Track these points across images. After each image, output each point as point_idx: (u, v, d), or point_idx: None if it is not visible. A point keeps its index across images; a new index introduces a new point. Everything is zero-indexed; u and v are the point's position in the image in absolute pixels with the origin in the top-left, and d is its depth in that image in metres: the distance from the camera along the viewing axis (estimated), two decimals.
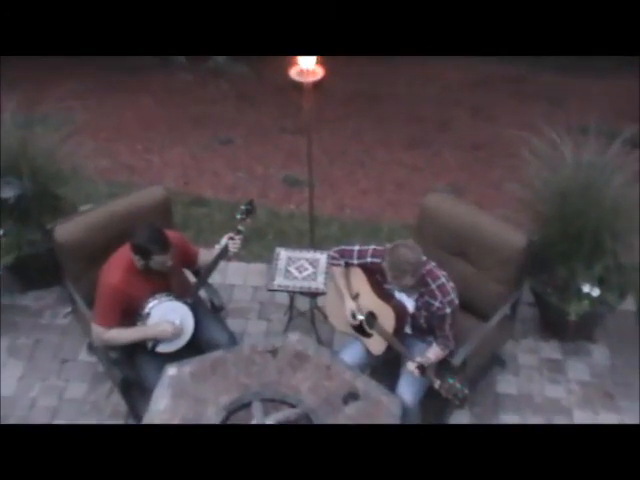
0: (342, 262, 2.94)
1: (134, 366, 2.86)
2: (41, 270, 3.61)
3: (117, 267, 2.76)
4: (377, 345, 2.82)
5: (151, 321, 2.79)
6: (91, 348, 3.36)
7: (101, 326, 2.75)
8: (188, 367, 2.53)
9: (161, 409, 2.30)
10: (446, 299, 2.73)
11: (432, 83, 6.94)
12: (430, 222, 3.21)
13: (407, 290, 2.75)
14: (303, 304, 3.61)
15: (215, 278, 3.27)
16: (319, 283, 3.32)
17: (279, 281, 3.33)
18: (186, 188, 4.75)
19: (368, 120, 6.00)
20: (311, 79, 3.03)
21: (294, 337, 2.68)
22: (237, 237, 2.95)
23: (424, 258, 2.77)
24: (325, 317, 3.29)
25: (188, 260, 3.02)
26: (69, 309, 3.40)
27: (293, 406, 2.38)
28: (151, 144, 5.34)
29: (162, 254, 2.71)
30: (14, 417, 3.07)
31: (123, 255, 2.79)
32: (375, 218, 4.50)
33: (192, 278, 3.16)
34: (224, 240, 2.97)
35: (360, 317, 2.88)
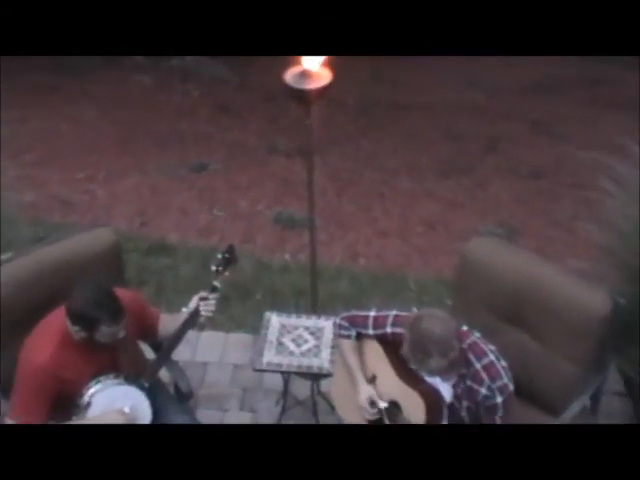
0: (354, 332, 2.95)
1: None
2: None
3: (46, 340, 2.73)
4: None
5: (92, 413, 2.79)
6: None
7: (21, 423, 2.66)
8: None
9: None
10: (496, 384, 2.72)
11: (475, 89, 7.16)
12: (474, 276, 3.25)
13: (441, 372, 2.76)
14: (301, 389, 3.62)
15: (182, 353, 3.29)
16: (323, 361, 3.33)
17: (269, 357, 3.34)
18: (143, 230, 4.83)
19: (389, 138, 6.16)
20: (314, 85, 3.11)
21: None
22: (212, 297, 2.97)
23: (464, 327, 2.79)
24: (331, 407, 3.30)
25: (145, 329, 3.04)
26: None
27: None
28: (95, 171, 5.47)
29: (112, 324, 2.69)
30: None
31: (54, 323, 2.77)
32: (399, 271, 4.55)
33: (150, 353, 3.19)
34: (194, 301, 3.01)
35: (382, 405, 2.88)
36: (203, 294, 2.98)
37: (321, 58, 3.06)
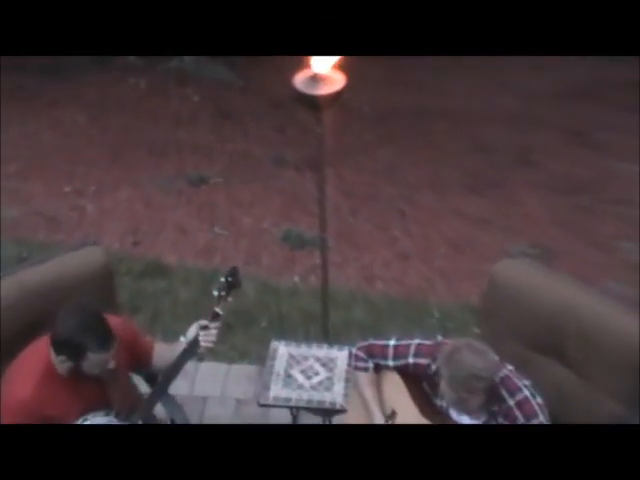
0: (371, 364, 2.95)
1: None
2: None
3: (27, 373, 2.71)
4: None
5: None
6: None
7: None
8: None
9: None
10: (531, 422, 2.72)
11: (505, 94, 7.19)
12: (504, 302, 3.24)
13: (473, 410, 2.75)
14: None
15: (179, 387, 3.30)
16: (336, 395, 3.32)
17: (276, 392, 3.34)
18: (137, 250, 4.86)
19: (409, 149, 6.18)
20: (326, 90, 3.14)
21: None
22: (213, 325, 2.97)
23: (495, 358, 2.79)
24: None
25: (138, 359, 3.04)
26: None
27: None
28: (84, 183, 5.51)
29: (100, 352, 2.68)
30: None
31: (37, 354, 2.75)
32: (420, 296, 4.56)
33: (144, 387, 3.19)
34: (193, 330, 3.01)
35: None
36: (203, 322, 2.97)
37: (332, 59, 3.07)
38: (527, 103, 6.88)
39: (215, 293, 2.97)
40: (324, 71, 3.10)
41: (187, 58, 7.28)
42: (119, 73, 6.94)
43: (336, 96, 3.12)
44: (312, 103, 3.15)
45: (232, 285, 2.99)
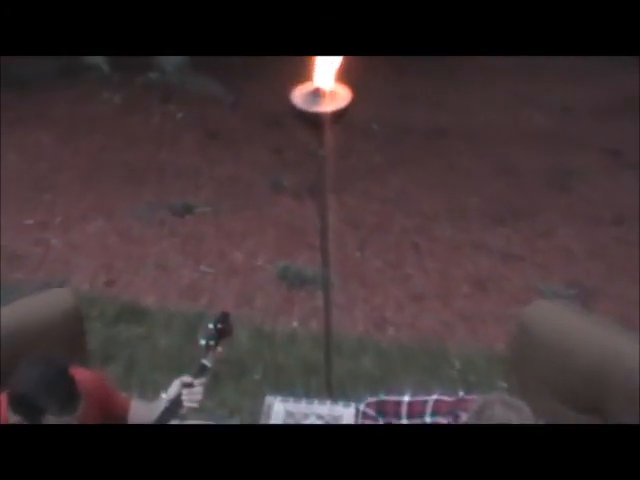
0: (381, 422, 2.94)
1: None
2: None
3: None
4: None
5: None
6: None
7: None
8: None
9: None
10: None
11: (536, 110, 7.24)
12: (535, 351, 3.23)
13: None
14: None
15: None
16: None
17: None
18: (111, 290, 4.86)
19: (424, 173, 6.21)
20: (329, 107, 3.15)
21: None
22: (198, 382, 2.93)
23: (532, 415, 2.77)
24: None
25: (111, 421, 3.02)
26: None
27: None
28: (50, 214, 5.52)
29: (62, 415, 2.64)
30: None
31: None
32: (438, 343, 4.54)
33: None
34: (175, 387, 2.96)
35: None
36: (187, 379, 2.93)
37: (334, 70, 3.08)
38: (559, 120, 6.94)
39: (202, 342, 2.95)
40: (327, 85, 3.10)
41: (169, 70, 7.34)
42: (91, 87, 7.00)
43: (340, 113, 3.11)
44: (313, 121, 3.15)
45: (222, 333, 2.98)
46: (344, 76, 3.14)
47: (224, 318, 3.02)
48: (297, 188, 5.74)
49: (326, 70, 3.10)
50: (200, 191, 5.83)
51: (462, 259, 5.24)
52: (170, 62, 7.52)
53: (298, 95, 3.13)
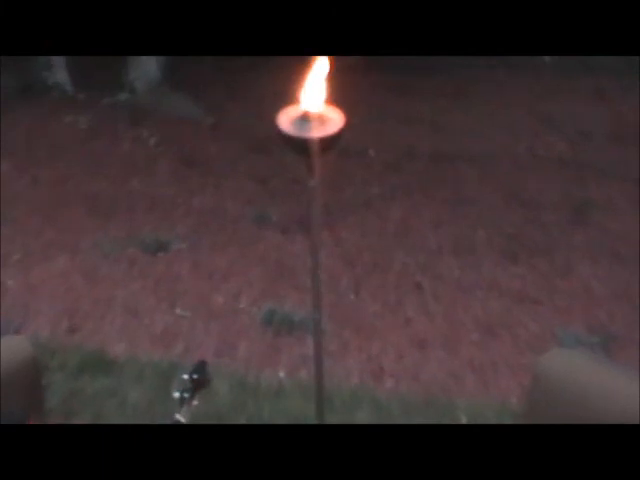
0: None
1: None
2: None
3: None
4: None
5: None
6: None
7: None
8: None
9: None
10: None
11: (554, 134, 7.31)
12: (553, 405, 3.23)
13: None
14: None
15: None
16: None
17: None
18: (74, 338, 4.84)
19: (428, 204, 6.25)
20: (321, 131, 3.16)
21: None
22: None
23: None
24: None
25: None
26: None
27: None
28: (6, 251, 5.52)
29: None
30: None
31: None
32: (443, 395, 4.53)
33: None
34: None
35: None
36: None
37: (322, 94, 3.13)
38: (578, 145, 7.00)
39: (176, 395, 2.97)
40: (317, 107, 3.13)
41: (141, 89, 7.42)
42: (53, 109, 7.04)
43: (333, 139, 3.10)
44: (302, 148, 3.13)
45: (199, 384, 2.99)
46: (337, 97, 3.18)
47: (201, 368, 3.03)
48: (285, 222, 5.78)
49: (316, 90, 3.15)
50: (175, 225, 5.86)
51: (471, 301, 5.24)
52: (142, 80, 7.61)
53: (285, 118, 3.12)
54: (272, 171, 6.25)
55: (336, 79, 3.06)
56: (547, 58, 10.07)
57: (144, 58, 7.65)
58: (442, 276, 5.45)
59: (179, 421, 2.99)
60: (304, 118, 3.13)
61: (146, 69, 7.72)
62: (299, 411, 4.25)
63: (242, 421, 4.30)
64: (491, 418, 4.28)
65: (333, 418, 3.99)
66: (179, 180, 6.41)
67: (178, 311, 5.07)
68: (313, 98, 3.14)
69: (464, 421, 4.32)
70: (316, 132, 3.09)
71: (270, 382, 4.56)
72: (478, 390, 4.55)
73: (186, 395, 2.96)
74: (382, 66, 9.20)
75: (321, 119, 3.15)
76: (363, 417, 4.35)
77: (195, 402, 2.99)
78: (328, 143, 3.13)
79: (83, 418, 4.25)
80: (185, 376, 2.99)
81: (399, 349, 4.86)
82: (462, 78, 9.35)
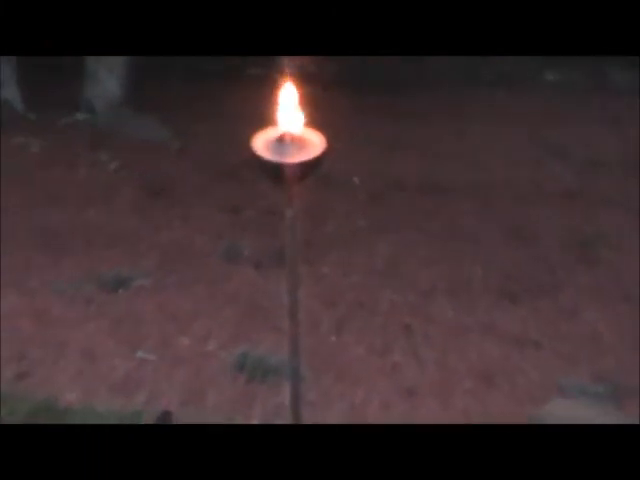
0: None
1: None
2: None
3: None
4: None
5: None
6: None
7: None
8: None
9: None
10: None
11: (557, 162, 7.36)
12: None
13: None
14: None
15: None
16: None
17: None
18: (22, 385, 4.83)
19: (419, 238, 6.27)
20: (299, 156, 3.19)
21: None
22: None
23: None
24: None
25: None
26: None
27: None
28: None
29: None
30: None
31: None
32: None
33: None
34: None
35: None
36: None
37: (300, 115, 3.16)
38: (584, 174, 7.03)
39: None
40: (295, 130, 3.16)
41: (100, 108, 7.45)
42: (1, 130, 7.02)
43: (313, 165, 3.11)
44: (279, 174, 3.15)
45: None
46: (318, 119, 3.21)
47: (166, 418, 3.07)
48: (259, 256, 5.80)
49: (295, 111, 3.18)
50: (138, 261, 5.87)
51: (465, 345, 5.24)
52: (101, 99, 7.63)
53: (260, 142, 3.14)
54: (245, 200, 6.28)
55: (317, 99, 3.11)
56: (551, 76, 10.14)
57: (104, 74, 7.65)
58: (434, 317, 5.46)
59: None
60: (281, 142, 3.14)
61: (106, 86, 7.73)
62: None
63: None
64: None
65: None
66: (142, 210, 6.43)
67: (140, 355, 5.07)
68: (291, 120, 3.18)
69: None
70: (294, 157, 3.10)
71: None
72: None
73: None
74: (367, 84, 9.30)
75: (300, 143, 3.15)
76: None
77: None
78: (307, 169, 3.15)
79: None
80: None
81: (385, 397, 4.85)
82: (456, 97, 9.43)
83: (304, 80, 3.20)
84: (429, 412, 4.76)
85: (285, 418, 4.19)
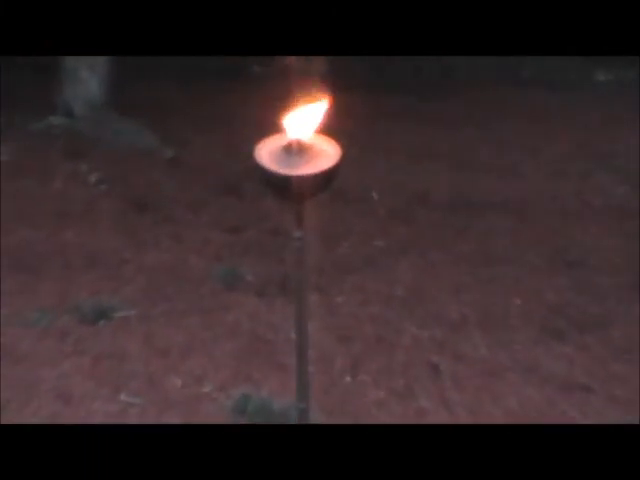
0: None
1: None
2: None
3: None
4: None
5: None
6: None
7: None
8: None
9: None
10: None
11: (608, 172, 7.34)
12: None
13: None
14: None
15: None
16: None
17: None
18: None
19: (446, 263, 6.28)
20: (310, 168, 3.17)
21: None
22: None
23: None
24: None
25: None
26: None
27: None
28: None
29: None
30: None
31: None
32: None
33: None
34: None
35: None
36: None
37: (316, 120, 3.17)
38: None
39: None
40: (305, 137, 3.14)
41: (79, 112, 7.47)
42: None
43: (326, 178, 3.12)
44: (286, 188, 3.18)
45: None
46: (331, 125, 3.22)
47: None
48: (262, 283, 5.81)
49: (305, 115, 3.18)
50: (122, 287, 5.87)
51: (501, 388, 5.22)
52: (81, 101, 7.65)
53: (265, 151, 3.14)
54: (246, 218, 6.29)
55: (330, 102, 3.10)
56: (602, 76, 10.16)
57: (84, 72, 7.66)
58: (465, 356, 5.45)
59: None
60: (289, 151, 3.14)
61: (86, 86, 7.72)
62: None
63: None
64: None
65: None
66: (127, 229, 6.45)
67: (124, 397, 5.07)
68: (300, 125, 3.19)
69: None
70: (304, 168, 3.12)
71: None
72: None
73: None
74: (387, 85, 9.31)
75: (310, 152, 3.16)
76: None
77: None
78: (319, 183, 3.15)
79: None
80: None
81: None
82: (488, 99, 9.44)
83: (314, 79, 3.21)
84: None
85: None
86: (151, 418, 4.93)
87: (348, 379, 5.26)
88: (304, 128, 3.14)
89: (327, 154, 3.16)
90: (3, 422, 4.88)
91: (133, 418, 4.94)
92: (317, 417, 4.37)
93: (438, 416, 5.02)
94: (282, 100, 3.06)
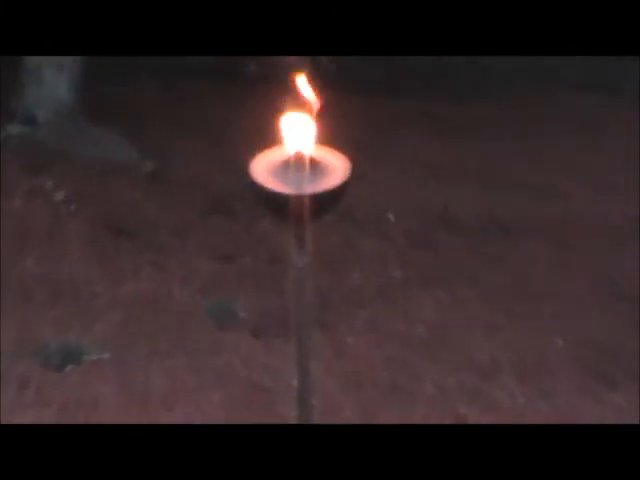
0: None
1: None
2: None
3: None
4: None
5: None
6: None
7: None
8: None
9: None
10: None
11: None
12: None
13: None
14: None
15: None
16: None
17: None
18: None
19: (473, 295, 6.26)
20: (315, 186, 3.18)
21: None
22: None
23: None
24: None
25: None
26: None
27: None
28: None
29: None
30: None
31: None
32: None
33: None
34: None
35: None
36: None
37: (313, 131, 3.17)
38: None
39: None
40: (308, 149, 3.17)
41: (44, 119, 7.49)
42: None
43: (333, 196, 3.16)
44: (286, 209, 3.20)
45: None
46: (338, 135, 3.23)
47: None
48: (258, 319, 5.82)
49: (308, 124, 3.18)
50: (92, 324, 5.87)
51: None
52: (45, 107, 7.68)
53: (261, 166, 3.18)
54: (239, 243, 6.30)
55: (337, 107, 3.11)
56: None
57: (49, 73, 7.68)
58: (498, 407, 5.45)
59: None
60: (289, 165, 3.18)
61: (53, 90, 7.75)
62: None
63: None
64: None
65: None
66: (100, 256, 6.46)
67: None
68: (303, 136, 3.20)
69: None
70: (307, 186, 3.16)
71: None
72: None
73: None
74: (404, 88, 9.33)
75: (315, 167, 3.20)
76: None
77: None
78: (324, 203, 3.18)
79: None
80: None
81: None
82: (525, 106, 9.46)
83: (320, 82, 3.17)
84: None
85: None
86: None
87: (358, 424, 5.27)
88: (307, 139, 3.14)
89: (334, 169, 3.18)
90: None
91: None
92: None
93: None
94: (282, 106, 3.03)
